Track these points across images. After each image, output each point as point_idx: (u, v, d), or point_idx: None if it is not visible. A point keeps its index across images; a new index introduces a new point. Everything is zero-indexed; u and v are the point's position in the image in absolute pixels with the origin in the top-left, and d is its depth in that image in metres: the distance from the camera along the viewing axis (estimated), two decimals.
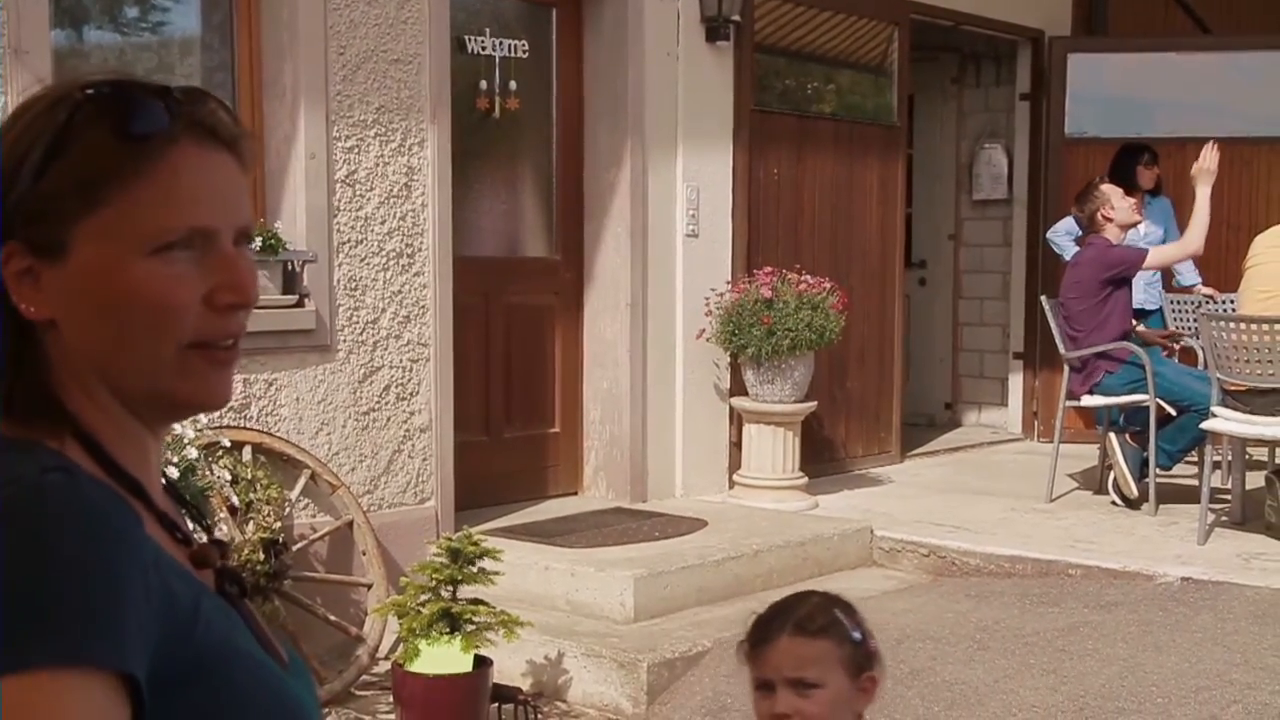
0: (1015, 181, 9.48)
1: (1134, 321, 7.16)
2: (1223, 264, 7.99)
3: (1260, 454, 7.03)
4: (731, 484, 7.01)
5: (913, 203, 9.42)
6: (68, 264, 1.14)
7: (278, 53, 5.38)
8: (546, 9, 6.63)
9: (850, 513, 6.72)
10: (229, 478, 4.80)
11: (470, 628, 4.46)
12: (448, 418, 5.88)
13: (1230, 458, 6.79)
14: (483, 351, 6.42)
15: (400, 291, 5.71)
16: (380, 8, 5.57)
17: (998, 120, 9.69)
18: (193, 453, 4.39)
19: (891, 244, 8.21)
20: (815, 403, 6.89)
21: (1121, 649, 4.91)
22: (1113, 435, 6.94)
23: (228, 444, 4.88)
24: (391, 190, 5.65)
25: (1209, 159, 6.79)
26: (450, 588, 4.52)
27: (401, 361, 5.72)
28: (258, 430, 5.17)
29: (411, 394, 5.76)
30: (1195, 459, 6.95)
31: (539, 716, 4.74)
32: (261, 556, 4.77)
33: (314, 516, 5.37)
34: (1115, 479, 6.94)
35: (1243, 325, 6.04)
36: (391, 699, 4.67)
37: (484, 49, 6.33)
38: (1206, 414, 6.22)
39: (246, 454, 5.04)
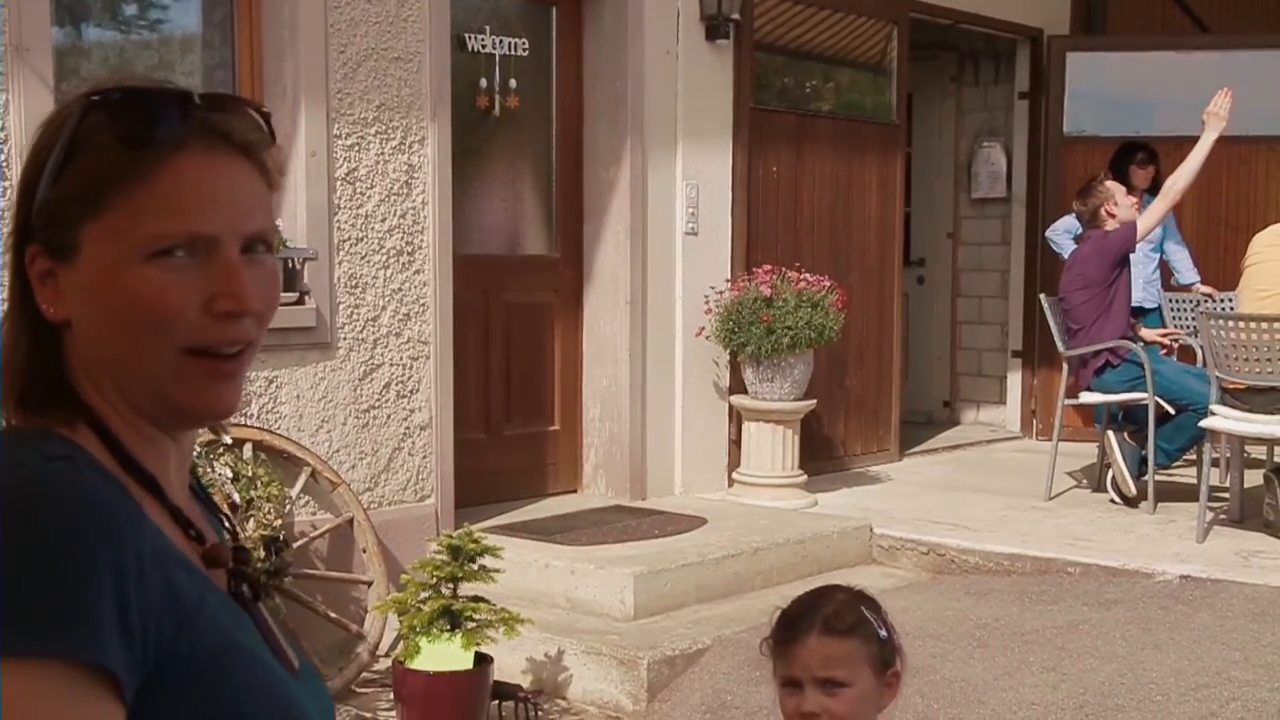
0: (1014, 180, 9.49)
1: (1133, 320, 7.17)
2: (1221, 263, 8.01)
3: (1259, 452, 7.04)
4: (731, 482, 7.02)
5: (911, 201, 9.43)
6: (77, 266, 1.16)
7: (278, 50, 5.39)
8: (546, 7, 6.64)
9: (849, 511, 6.73)
10: (230, 475, 4.80)
11: (471, 625, 4.46)
12: (448, 415, 5.89)
13: (1229, 456, 6.80)
14: (483, 349, 6.43)
15: (400, 289, 5.71)
16: (381, 6, 5.57)
17: (996, 119, 9.70)
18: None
19: (890, 242, 8.21)
20: (814, 401, 6.90)
21: (1120, 647, 4.92)
22: (1111, 433, 6.95)
23: (229, 441, 4.89)
24: (392, 188, 5.66)
25: (1219, 104, 6.78)
26: (451, 585, 4.53)
27: (402, 359, 5.73)
28: (258, 427, 5.18)
29: (412, 391, 5.77)
30: (1194, 457, 6.96)
31: (539, 714, 4.74)
32: (262, 554, 4.78)
33: (314, 514, 5.37)
34: (1114, 477, 6.95)
35: (1241, 324, 6.05)
36: (392, 696, 4.67)
37: (484, 47, 6.34)
38: (1205, 412, 6.23)
39: (247, 451, 5.04)
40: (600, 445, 6.79)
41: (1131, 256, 7.13)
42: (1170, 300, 8.14)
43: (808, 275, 6.76)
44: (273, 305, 1.23)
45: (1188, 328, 7.69)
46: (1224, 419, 6.14)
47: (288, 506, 5.19)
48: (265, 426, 5.23)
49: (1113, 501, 6.94)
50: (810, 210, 7.68)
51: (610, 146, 6.67)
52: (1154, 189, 7.84)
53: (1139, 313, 7.51)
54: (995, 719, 4.41)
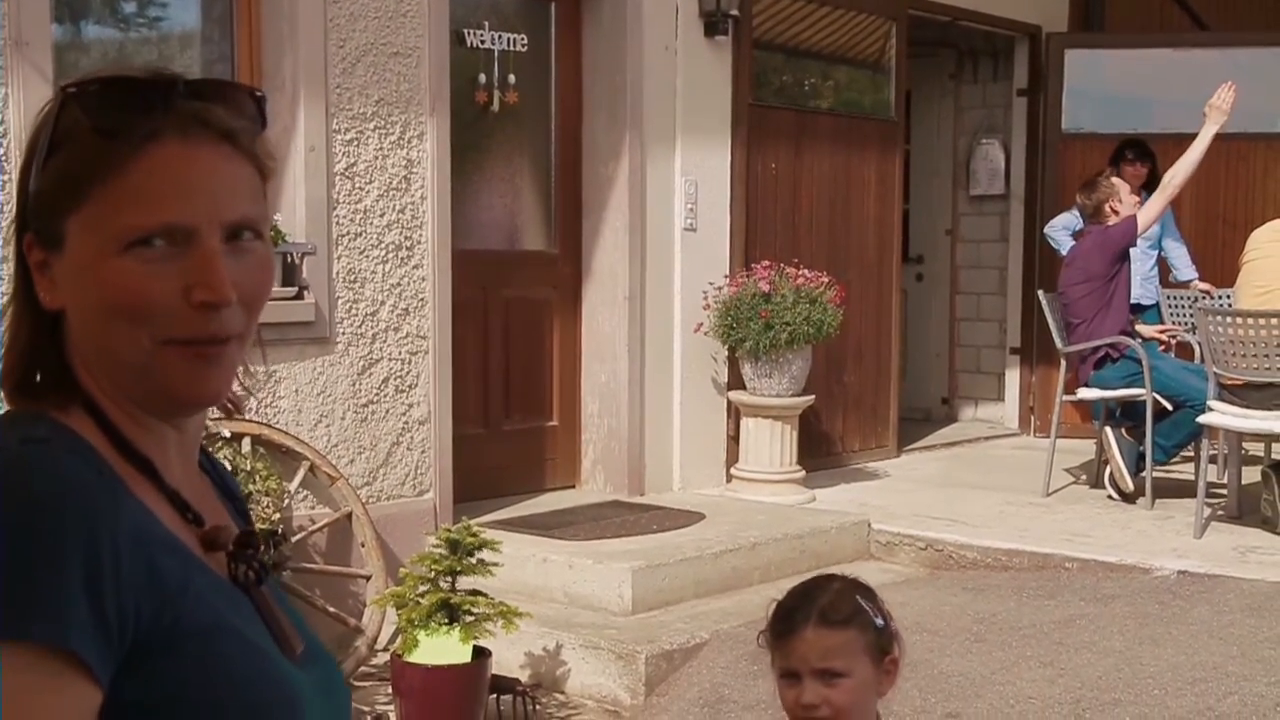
0: (1012, 177, 9.50)
1: (1131, 317, 7.18)
2: (1219, 260, 8.02)
3: (1256, 449, 7.05)
4: (729, 477, 7.03)
5: (910, 198, 9.43)
6: (65, 255, 1.17)
7: (277, 45, 5.39)
8: (545, 3, 6.64)
9: (848, 506, 6.74)
10: (228, 469, 4.80)
11: (469, 619, 4.47)
12: (446, 410, 5.89)
13: (1226, 452, 6.81)
14: (481, 345, 6.43)
15: (399, 284, 5.72)
16: (380, 0, 5.57)
17: (995, 116, 9.70)
18: None
19: (889, 239, 8.22)
20: (813, 396, 6.90)
21: (1118, 641, 4.93)
22: (1109, 430, 6.97)
23: (227, 434, 4.89)
24: (391, 183, 5.66)
25: (1222, 97, 6.79)
26: (449, 579, 4.53)
27: (400, 354, 5.73)
28: (257, 422, 5.18)
29: (410, 386, 5.77)
30: (1191, 453, 6.97)
31: (537, 708, 4.75)
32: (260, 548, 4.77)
33: (313, 508, 5.38)
34: (1111, 473, 6.96)
35: (1240, 320, 6.06)
36: (390, 690, 4.68)
37: (483, 42, 6.34)
38: (1203, 408, 6.24)
39: (246, 445, 5.05)
40: (599, 441, 6.80)
41: (1130, 252, 7.15)
42: (1168, 297, 8.15)
43: (806, 271, 6.76)
44: (262, 293, 1.22)
45: (1186, 324, 7.70)
46: (1222, 415, 6.15)
47: (286, 501, 5.20)
48: (264, 421, 5.23)
49: (1110, 498, 6.95)
50: (809, 207, 7.69)
51: (609, 142, 6.67)
52: (1150, 186, 7.86)
53: (1137, 309, 7.52)
54: (993, 713, 4.42)
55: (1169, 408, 6.73)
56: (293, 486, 5.23)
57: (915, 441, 8.78)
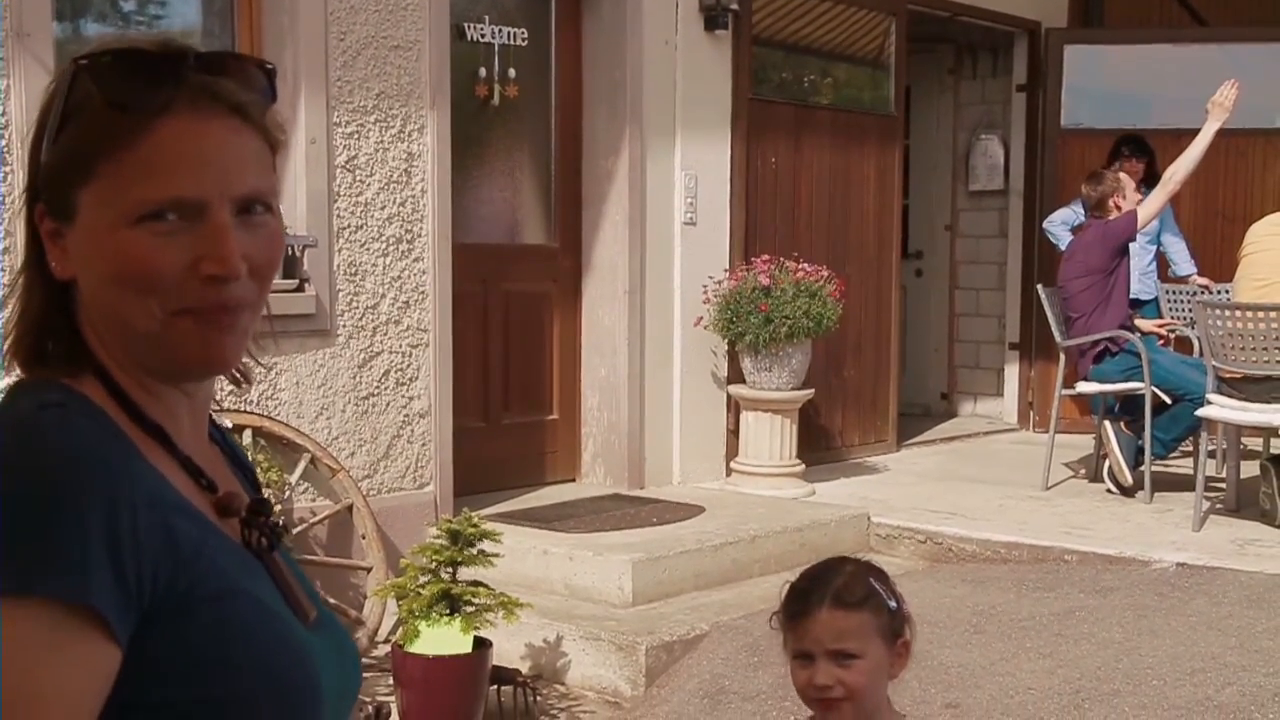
0: (1011, 173, 9.51)
1: (1130, 311, 7.19)
2: (1217, 254, 8.03)
3: (1255, 444, 7.06)
4: (729, 471, 7.04)
5: (909, 194, 9.44)
6: (77, 226, 1.18)
7: (278, 38, 5.40)
8: None
9: (847, 500, 6.75)
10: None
11: (470, 609, 4.47)
12: (447, 403, 5.90)
13: (1225, 446, 6.82)
14: (481, 338, 6.44)
15: (400, 277, 5.73)
16: None
17: (994, 111, 9.71)
18: None
19: (888, 234, 8.23)
20: (812, 391, 6.91)
21: (1117, 633, 4.94)
22: (1108, 423, 6.98)
23: (229, 426, 4.90)
24: (391, 176, 5.67)
25: (1225, 94, 6.80)
26: (450, 569, 4.54)
27: (401, 347, 5.74)
28: (258, 414, 5.19)
29: (411, 379, 5.78)
30: (1190, 447, 6.98)
31: (538, 698, 4.76)
32: None
33: (314, 500, 5.39)
34: (1110, 467, 6.97)
35: (1238, 313, 6.07)
36: (391, 681, 4.68)
37: (483, 36, 6.35)
38: (1201, 402, 6.25)
39: (247, 437, 5.06)
40: (599, 434, 6.81)
41: (1129, 247, 7.16)
42: (1167, 291, 8.16)
43: (806, 265, 6.77)
44: (273, 265, 1.23)
45: (1185, 319, 7.71)
46: (1220, 408, 6.16)
47: (287, 493, 5.21)
48: (265, 413, 5.24)
49: (1109, 491, 6.97)
50: (808, 202, 7.70)
51: (609, 136, 6.68)
52: (1148, 181, 7.87)
53: (1136, 304, 7.53)
54: (992, 703, 4.43)
55: (1168, 401, 6.74)
56: (294, 479, 5.25)
57: (914, 436, 8.80)
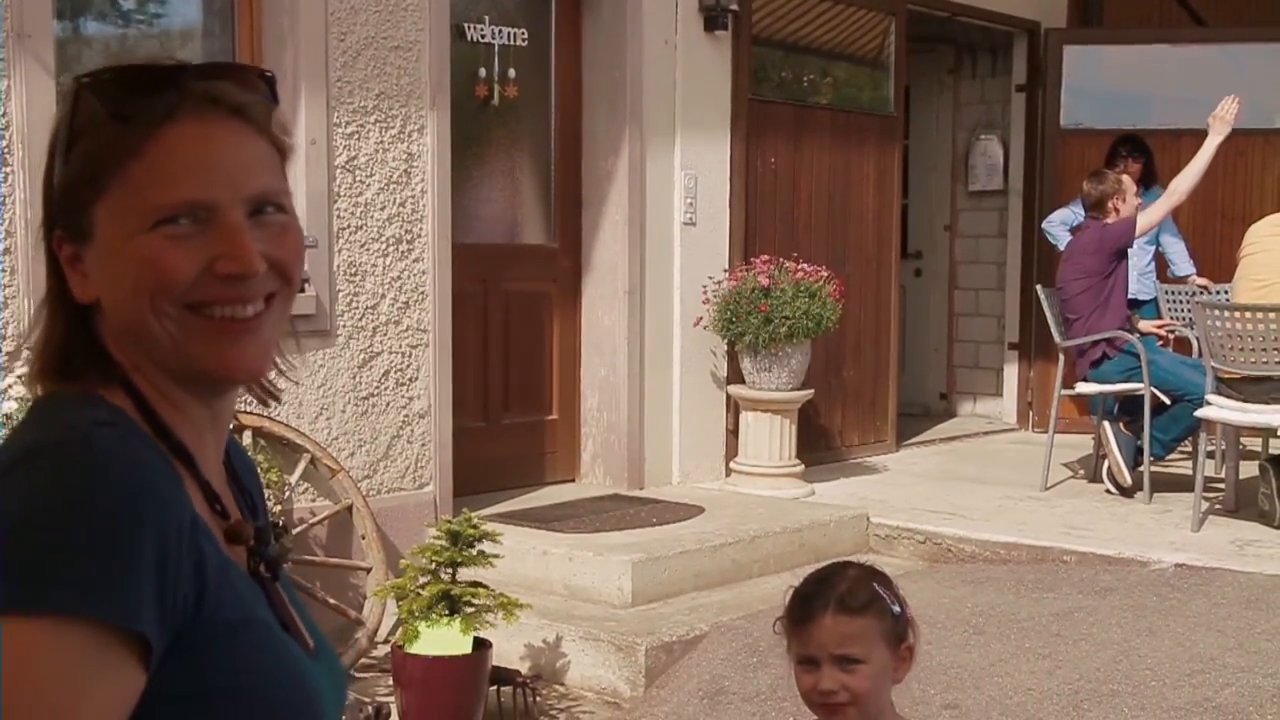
0: (1011, 173, 9.52)
1: (1129, 312, 7.20)
2: (1217, 255, 8.04)
3: (1254, 444, 7.07)
4: (728, 471, 7.04)
5: (909, 194, 9.45)
6: (95, 245, 1.19)
7: (278, 39, 5.40)
8: None
9: (847, 500, 6.75)
10: (251, 461, 4.82)
11: (470, 610, 4.48)
12: (446, 404, 5.91)
13: (1224, 447, 6.83)
14: (481, 338, 6.45)
15: (400, 277, 5.73)
16: None
17: (994, 111, 9.72)
18: None
19: (887, 234, 8.23)
20: (811, 391, 6.91)
21: (1116, 633, 4.94)
22: (1107, 424, 6.99)
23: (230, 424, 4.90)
24: (391, 176, 5.68)
25: (1226, 108, 6.80)
26: (450, 570, 4.55)
27: (401, 347, 5.74)
28: (258, 414, 5.19)
29: (410, 380, 5.78)
30: (1189, 448, 6.99)
31: (538, 699, 4.77)
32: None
33: (313, 501, 5.40)
34: (1109, 467, 6.98)
35: (1238, 314, 6.08)
36: (391, 681, 4.69)
37: (483, 36, 6.35)
38: (1200, 403, 6.26)
39: (247, 438, 5.06)
40: (598, 434, 6.82)
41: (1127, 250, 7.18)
42: (1166, 292, 8.16)
43: (805, 265, 6.78)
44: (295, 259, 1.24)
45: (1184, 319, 7.72)
46: (1219, 409, 6.17)
47: (287, 493, 5.21)
48: (264, 413, 5.24)
49: (1108, 492, 6.97)
50: (808, 201, 7.70)
51: (609, 136, 6.69)
52: (1144, 181, 7.87)
53: (1134, 304, 7.54)
54: (991, 704, 4.43)
55: (1167, 402, 6.75)
56: (293, 479, 5.25)
57: (914, 436, 8.80)
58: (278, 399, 1.37)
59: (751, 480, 6.82)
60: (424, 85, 5.76)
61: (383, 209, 5.66)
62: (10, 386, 4.18)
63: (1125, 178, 7.19)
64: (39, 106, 4.57)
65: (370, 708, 4.27)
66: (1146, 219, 6.97)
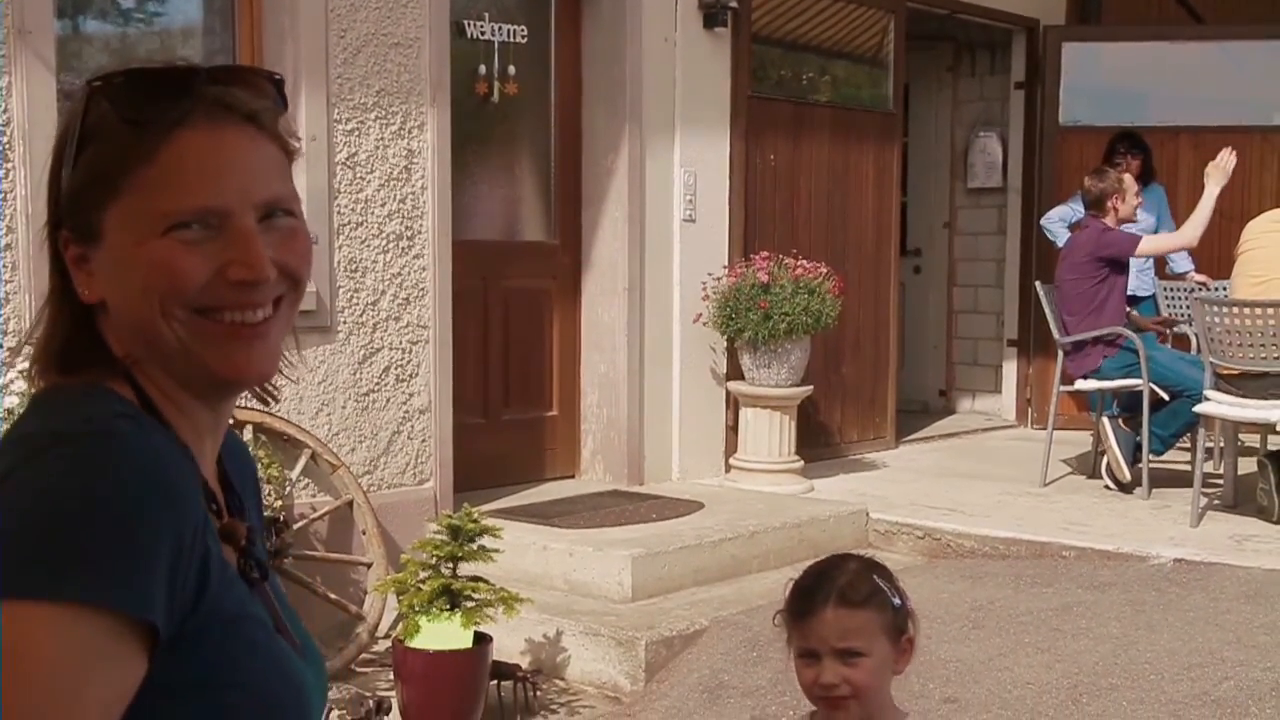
0: (1010, 170, 9.53)
1: (1128, 309, 7.21)
2: (1215, 251, 8.04)
3: (1252, 441, 7.08)
4: (728, 467, 7.06)
5: (908, 191, 9.46)
6: (104, 247, 1.20)
7: (279, 35, 5.41)
8: None
9: (846, 496, 6.76)
10: (251, 458, 4.83)
11: (470, 604, 4.49)
12: (446, 400, 5.92)
13: (1222, 444, 6.84)
14: (481, 335, 6.46)
15: (400, 274, 5.74)
16: None
17: (992, 109, 9.73)
18: None
19: (887, 230, 8.25)
20: (811, 387, 6.93)
21: (1115, 628, 4.95)
22: (1106, 420, 7.00)
23: (230, 422, 4.91)
24: (391, 173, 5.69)
25: (1225, 160, 6.81)
26: (450, 564, 4.56)
27: (401, 343, 5.76)
28: (258, 410, 5.20)
29: (411, 376, 5.80)
30: (1188, 444, 7.00)
31: (538, 693, 4.78)
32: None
33: (314, 496, 5.41)
34: (1108, 463, 6.99)
35: (1236, 309, 6.09)
36: (392, 676, 4.70)
37: (483, 34, 6.36)
38: (1199, 398, 6.27)
39: (248, 433, 5.07)
40: (598, 431, 6.83)
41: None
42: (1165, 288, 8.18)
43: (805, 262, 6.79)
44: (304, 264, 1.25)
45: (1182, 316, 7.73)
46: (1218, 404, 6.18)
47: (288, 488, 5.22)
48: (265, 409, 5.24)
49: (1107, 488, 6.98)
50: (807, 199, 7.72)
51: (608, 133, 6.70)
52: (1143, 178, 7.88)
53: (1133, 301, 7.55)
54: (990, 698, 4.44)
55: (1165, 398, 6.76)
56: (294, 474, 5.26)
57: (913, 433, 8.81)
58: (277, 399, 1.38)
59: (751, 476, 6.83)
60: (424, 82, 5.77)
61: (383, 205, 5.67)
62: (11, 382, 4.19)
63: (1127, 176, 7.20)
64: (40, 103, 4.58)
65: (371, 702, 4.28)
66: (1146, 246, 6.99)
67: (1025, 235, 9.25)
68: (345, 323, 5.56)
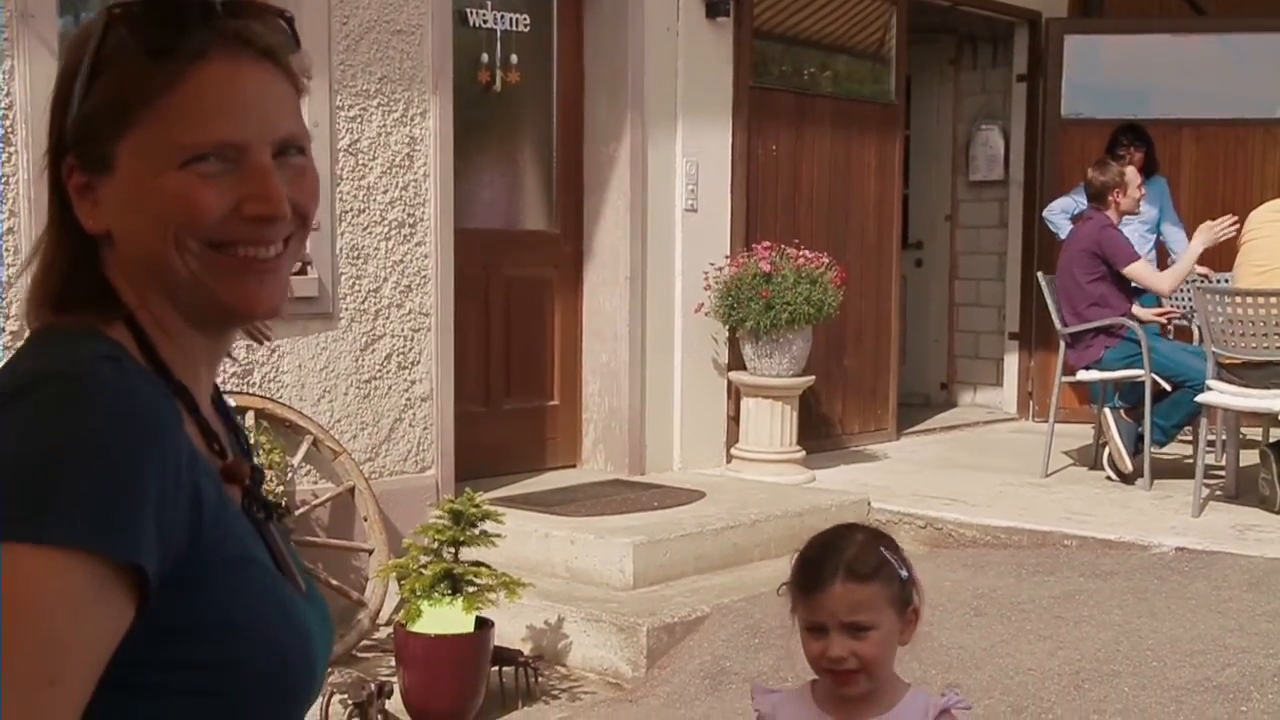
0: (1011, 163, 9.52)
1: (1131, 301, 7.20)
2: (1217, 244, 8.03)
3: (1254, 433, 7.07)
4: (729, 457, 7.05)
5: (910, 184, 9.45)
6: (115, 178, 1.18)
7: None
8: None
9: (847, 486, 6.76)
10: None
11: (472, 589, 4.49)
12: (448, 388, 5.91)
13: (1224, 435, 6.83)
14: (483, 323, 6.45)
15: (402, 261, 5.74)
16: None
17: (994, 102, 9.72)
18: None
19: (888, 222, 8.24)
20: (813, 377, 6.92)
21: (1117, 615, 4.95)
22: (1108, 411, 6.99)
23: (232, 404, 4.91)
24: (394, 160, 5.68)
25: (1221, 228, 6.80)
26: (452, 549, 4.56)
27: (403, 331, 5.75)
28: (261, 396, 5.20)
29: (413, 363, 5.79)
30: (1189, 436, 6.99)
31: (539, 679, 4.77)
32: None
33: (316, 483, 5.40)
34: (1110, 454, 6.99)
35: (1238, 299, 6.08)
36: (393, 661, 4.70)
37: (485, 22, 6.35)
38: (1201, 389, 6.26)
39: (249, 419, 5.07)
40: (599, 420, 6.82)
41: (1128, 233, 7.19)
42: None
43: (807, 252, 6.78)
44: (313, 204, 1.25)
45: (1184, 307, 7.73)
46: (1220, 394, 6.17)
47: (289, 475, 5.22)
48: (267, 395, 5.25)
49: (1109, 478, 6.98)
50: (809, 189, 7.71)
51: (610, 123, 6.69)
52: (1145, 171, 7.87)
53: (1135, 293, 7.54)
54: (992, 684, 4.44)
55: (1167, 389, 6.75)
56: (296, 461, 5.26)
57: (914, 425, 8.81)
58: (270, 339, 1.38)
59: (752, 466, 6.83)
60: (426, 70, 5.76)
61: (385, 193, 5.66)
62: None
63: (1130, 170, 7.19)
64: (42, 87, 4.56)
65: (373, 686, 4.27)
66: (1136, 270, 6.96)
67: (1027, 228, 9.24)
68: (347, 310, 5.56)
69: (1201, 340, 6.47)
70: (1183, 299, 7.93)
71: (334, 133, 5.47)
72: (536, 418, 6.74)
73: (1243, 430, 6.81)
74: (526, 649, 4.97)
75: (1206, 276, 7.82)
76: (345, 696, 4.25)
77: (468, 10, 6.26)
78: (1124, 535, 5.84)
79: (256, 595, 1.18)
